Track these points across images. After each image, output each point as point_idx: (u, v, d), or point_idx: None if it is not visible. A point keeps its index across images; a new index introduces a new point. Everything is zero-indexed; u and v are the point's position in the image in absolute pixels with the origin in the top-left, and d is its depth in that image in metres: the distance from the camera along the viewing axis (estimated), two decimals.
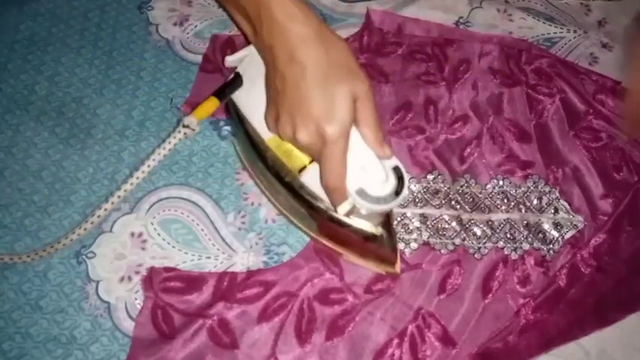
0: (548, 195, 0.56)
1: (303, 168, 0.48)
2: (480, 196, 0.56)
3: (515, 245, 0.54)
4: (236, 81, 0.50)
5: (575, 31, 0.67)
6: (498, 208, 0.56)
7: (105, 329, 0.50)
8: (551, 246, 0.54)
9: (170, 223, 0.54)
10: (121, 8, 0.65)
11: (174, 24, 0.65)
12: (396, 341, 0.50)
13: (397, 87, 0.61)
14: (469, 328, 0.51)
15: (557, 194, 0.56)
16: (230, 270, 0.52)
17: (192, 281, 0.51)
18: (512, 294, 0.52)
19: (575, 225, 0.55)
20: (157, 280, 0.51)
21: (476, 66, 0.62)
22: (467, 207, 0.56)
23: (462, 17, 0.67)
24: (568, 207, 0.56)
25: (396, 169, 0.44)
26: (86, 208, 0.54)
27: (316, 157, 0.45)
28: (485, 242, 0.54)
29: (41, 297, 0.51)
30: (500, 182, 0.57)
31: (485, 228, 0.55)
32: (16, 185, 0.55)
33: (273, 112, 0.45)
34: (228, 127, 0.59)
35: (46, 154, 0.57)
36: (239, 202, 0.55)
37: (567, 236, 0.54)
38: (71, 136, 0.58)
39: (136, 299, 0.51)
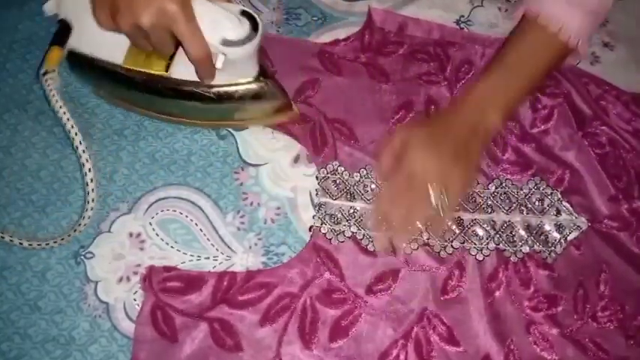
0: (550, 196, 0.56)
1: (167, 67, 0.50)
2: (482, 196, 0.56)
3: (515, 248, 0.54)
4: (64, 28, 0.50)
5: None
6: (500, 209, 0.55)
7: (104, 330, 0.50)
8: (552, 248, 0.54)
9: (169, 223, 0.54)
10: None
11: None
12: (401, 342, 0.50)
13: (398, 86, 0.61)
14: (473, 329, 0.50)
15: (559, 196, 0.56)
16: (229, 270, 0.52)
17: (192, 281, 0.51)
18: (515, 296, 0.52)
19: (578, 226, 0.55)
20: (156, 280, 0.51)
21: (478, 66, 0.62)
22: (468, 207, 0.55)
23: (462, 16, 0.67)
24: (570, 208, 0.55)
25: (244, 12, 0.47)
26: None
27: (162, 40, 0.45)
28: (487, 243, 0.54)
29: (40, 297, 0.51)
30: (503, 183, 0.57)
31: (487, 228, 0.54)
32: (15, 185, 0.55)
33: (106, 8, 0.44)
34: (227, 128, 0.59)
35: (45, 153, 0.57)
36: (238, 202, 0.55)
37: (570, 237, 0.54)
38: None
39: (134, 300, 0.51)
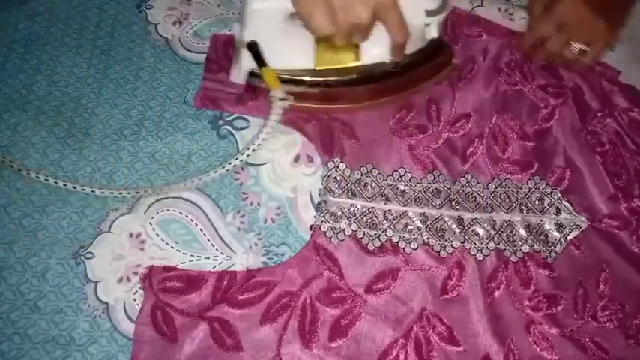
0: (550, 196, 0.56)
1: (358, 55, 0.56)
2: (482, 195, 0.56)
3: (515, 248, 0.54)
4: (257, 48, 0.54)
5: None
6: (500, 208, 0.55)
7: (104, 330, 0.50)
8: (552, 247, 0.54)
9: (169, 223, 0.54)
10: (119, 7, 0.65)
11: (173, 23, 0.65)
12: (400, 342, 0.50)
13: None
14: (472, 329, 0.50)
15: (559, 195, 0.56)
16: (229, 270, 0.52)
17: (192, 281, 0.51)
18: (515, 295, 0.52)
19: (578, 226, 0.55)
20: (156, 280, 0.51)
21: (480, 64, 0.62)
22: (468, 207, 0.55)
23: None
24: (570, 208, 0.55)
25: None
26: (84, 208, 0.54)
27: (369, 31, 0.50)
28: (487, 242, 0.54)
29: (40, 297, 0.51)
30: (502, 183, 0.57)
31: (487, 227, 0.54)
32: (15, 185, 0.55)
33: (324, 14, 0.48)
34: (227, 127, 0.59)
35: (45, 153, 0.57)
36: (238, 202, 0.55)
37: (570, 237, 0.54)
38: (69, 136, 0.58)
39: (134, 300, 0.51)
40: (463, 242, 0.54)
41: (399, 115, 0.59)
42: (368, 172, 0.56)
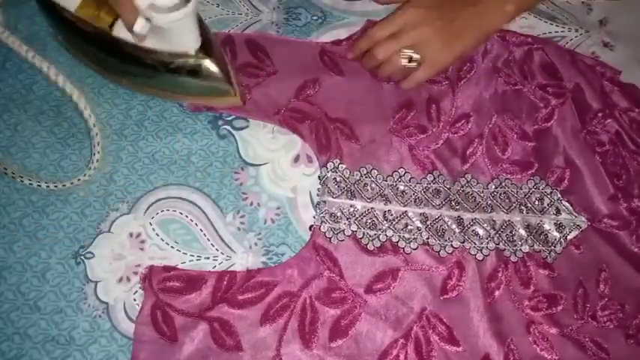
0: (549, 196, 0.56)
1: (112, 25, 0.51)
2: (482, 195, 0.56)
3: (514, 248, 0.54)
4: None
5: (576, 30, 0.67)
6: (500, 208, 0.55)
7: (104, 330, 0.50)
8: (552, 247, 0.54)
9: (169, 223, 0.54)
10: None
11: None
12: (400, 342, 0.50)
13: (399, 86, 0.61)
14: (472, 329, 0.50)
15: (559, 195, 0.56)
16: (229, 270, 0.52)
17: (192, 281, 0.51)
18: (515, 295, 0.52)
19: (578, 226, 0.55)
20: (156, 280, 0.51)
21: (480, 65, 0.62)
22: (468, 207, 0.55)
23: None
24: (570, 208, 0.55)
25: None
26: (84, 208, 0.54)
27: None
28: (487, 242, 0.54)
29: (40, 297, 0.51)
30: (502, 183, 0.57)
31: (487, 227, 0.54)
32: (15, 185, 0.55)
33: None
34: (227, 127, 0.59)
35: (44, 153, 0.57)
36: (238, 202, 0.55)
37: (570, 237, 0.54)
38: (69, 136, 0.58)
39: (134, 300, 0.51)
40: (463, 242, 0.54)
41: (399, 115, 0.59)
42: (368, 172, 0.56)
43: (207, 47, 0.51)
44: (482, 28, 0.57)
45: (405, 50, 0.56)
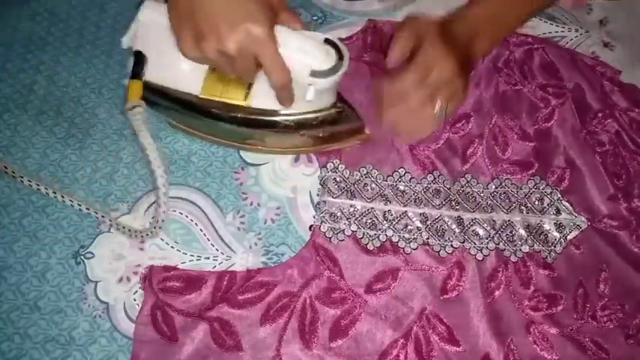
0: (549, 196, 0.56)
1: (246, 96, 0.50)
2: (482, 195, 0.56)
3: (514, 248, 0.54)
4: (140, 58, 0.50)
5: (576, 30, 0.67)
6: (500, 208, 0.55)
7: (104, 330, 0.50)
8: (552, 247, 0.54)
9: (168, 223, 0.54)
10: (119, 7, 0.65)
11: None
12: (400, 342, 0.50)
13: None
14: (472, 329, 0.50)
15: (559, 195, 0.56)
16: (229, 270, 0.52)
17: (192, 281, 0.51)
18: (515, 295, 0.52)
19: (578, 226, 0.55)
20: (156, 280, 0.51)
21: (480, 65, 0.62)
22: (468, 207, 0.55)
23: None
24: (570, 208, 0.55)
25: (327, 40, 0.47)
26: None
27: (247, 65, 0.44)
28: (487, 242, 0.54)
29: (40, 297, 0.51)
30: (502, 183, 0.57)
31: (487, 227, 0.54)
32: (14, 185, 0.55)
33: (190, 36, 0.43)
34: None
35: (45, 153, 0.57)
36: (238, 202, 0.55)
37: (570, 237, 0.54)
38: (69, 136, 0.58)
39: (134, 300, 0.51)
40: (463, 242, 0.54)
41: None
42: (368, 172, 0.56)
43: (339, 94, 0.51)
44: (469, 62, 0.57)
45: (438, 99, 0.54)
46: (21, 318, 0.50)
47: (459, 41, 0.55)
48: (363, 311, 0.51)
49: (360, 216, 0.54)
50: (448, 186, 0.56)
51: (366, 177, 0.56)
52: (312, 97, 0.47)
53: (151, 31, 0.48)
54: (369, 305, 0.51)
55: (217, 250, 0.53)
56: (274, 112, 0.50)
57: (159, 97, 0.52)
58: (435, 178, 0.56)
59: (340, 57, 0.47)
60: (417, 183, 0.56)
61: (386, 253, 0.53)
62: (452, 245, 0.53)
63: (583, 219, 0.55)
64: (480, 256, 0.53)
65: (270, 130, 0.52)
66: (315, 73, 0.46)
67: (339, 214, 0.54)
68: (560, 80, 0.61)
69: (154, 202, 0.55)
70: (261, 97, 0.49)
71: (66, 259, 0.52)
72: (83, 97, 0.60)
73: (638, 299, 0.52)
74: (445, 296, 0.52)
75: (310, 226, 0.54)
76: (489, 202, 0.56)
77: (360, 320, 0.50)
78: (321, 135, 0.53)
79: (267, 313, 0.50)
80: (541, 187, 0.56)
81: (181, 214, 0.54)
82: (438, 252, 0.53)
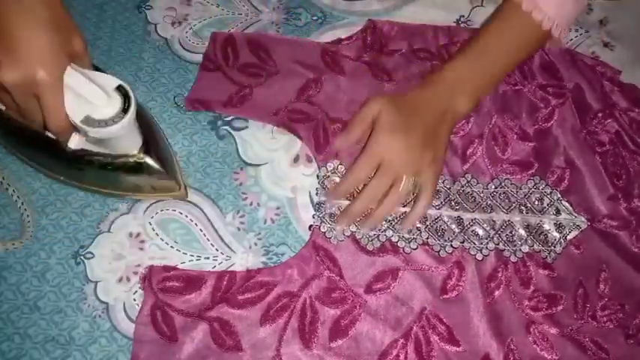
0: (549, 196, 0.56)
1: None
2: (482, 195, 0.56)
3: (514, 248, 0.54)
4: None
5: (576, 30, 0.67)
6: (500, 208, 0.55)
7: (103, 330, 0.50)
8: (552, 247, 0.54)
9: (168, 223, 0.54)
10: (119, 8, 0.65)
11: (173, 23, 0.65)
12: (400, 342, 0.50)
13: (400, 86, 0.61)
14: (472, 329, 0.50)
15: (559, 195, 0.56)
16: (229, 270, 0.52)
17: (192, 281, 0.51)
18: (514, 295, 0.52)
19: (578, 226, 0.55)
20: (156, 280, 0.51)
21: None
22: (468, 207, 0.55)
23: (462, 16, 0.67)
24: (570, 208, 0.55)
25: (120, 88, 0.44)
26: (84, 208, 0.54)
27: (26, 104, 0.43)
28: (487, 242, 0.54)
29: (40, 297, 0.51)
30: (502, 183, 0.57)
31: (487, 227, 0.54)
32: (14, 186, 0.55)
33: None
34: (226, 127, 0.59)
35: None
36: (238, 202, 0.55)
37: (570, 237, 0.54)
38: None
39: (134, 300, 0.51)
40: (463, 242, 0.54)
41: None
42: None
43: (148, 145, 0.50)
44: (447, 124, 0.54)
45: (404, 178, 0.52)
46: (21, 318, 0.50)
47: (430, 108, 0.53)
48: (363, 311, 0.51)
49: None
50: (448, 186, 0.56)
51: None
52: (75, 146, 0.46)
53: None
54: (369, 305, 0.51)
55: (217, 250, 0.53)
56: (58, 143, 0.48)
57: None
58: None
59: (125, 109, 0.44)
60: None
61: (386, 253, 0.53)
62: (452, 245, 0.53)
63: (583, 219, 0.55)
64: (479, 256, 0.53)
65: (73, 164, 0.50)
66: (88, 121, 0.43)
67: (338, 214, 0.54)
68: (560, 80, 0.61)
69: (153, 203, 0.55)
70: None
71: (66, 259, 0.52)
72: None
73: (638, 299, 0.52)
74: (445, 296, 0.52)
75: (310, 226, 0.54)
76: (489, 202, 0.56)
77: (360, 320, 0.50)
78: (126, 180, 0.51)
79: (267, 313, 0.50)
80: (541, 187, 0.56)
81: (181, 214, 0.54)
82: (438, 252, 0.53)
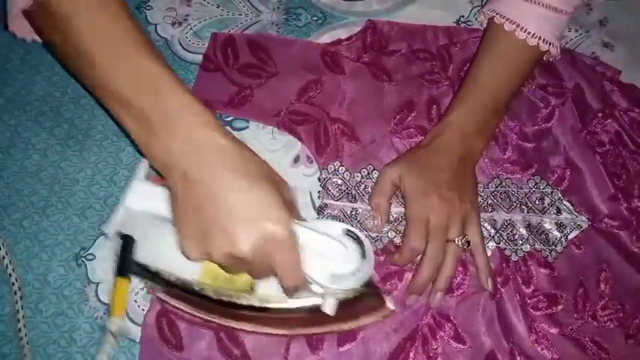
0: (550, 195, 0.56)
1: (252, 285, 0.45)
2: (483, 195, 0.56)
3: (515, 247, 0.54)
4: (128, 243, 0.45)
5: (576, 30, 0.67)
6: (501, 208, 0.55)
7: (104, 331, 0.49)
8: (553, 247, 0.54)
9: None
10: None
11: (173, 24, 0.64)
12: (408, 342, 0.49)
13: (400, 86, 0.61)
14: (477, 327, 0.50)
15: (560, 194, 0.56)
16: None
17: None
18: (516, 294, 0.52)
19: (579, 225, 0.55)
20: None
21: None
22: None
23: (462, 16, 0.67)
24: (571, 207, 0.55)
25: (347, 231, 0.42)
26: (85, 210, 0.54)
27: (263, 268, 0.39)
28: (488, 242, 0.54)
29: (41, 300, 0.50)
30: (503, 182, 0.57)
31: (488, 227, 0.54)
32: (15, 186, 0.55)
33: (195, 235, 0.38)
34: (226, 127, 0.59)
35: (45, 155, 0.56)
36: None
37: (571, 236, 0.54)
38: (69, 137, 0.57)
39: (135, 301, 0.51)
40: None
41: (400, 116, 0.59)
42: (369, 173, 0.56)
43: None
44: (469, 167, 0.54)
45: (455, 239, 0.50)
46: None
47: (447, 159, 0.52)
48: None
49: (362, 219, 0.54)
50: None
51: (366, 178, 0.56)
52: (331, 311, 0.42)
53: (140, 217, 0.44)
54: None
55: None
56: (282, 298, 0.43)
57: (150, 275, 0.47)
58: None
59: (364, 252, 0.41)
60: None
61: (389, 254, 0.53)
62: None
63: (584, 219, 0.55)
64: None
65: (278, 314, 0.46)
66: (335, 277, 0.40)
67: (341, 216, 0.54)
68: (560, 80, 0.61)
69: None
70: (268, 284, 0.43)
71: (67, 261, 0.52)
72: (82, 97, 0.59)
73: (638, 299, 0.52)
74: (451, 295, 0.52)
75: None
76: (490, 201, 0.56)
77: (368, 324, 0.50)
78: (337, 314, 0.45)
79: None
80: (541, 187, 0.56)
81: None
82: None
